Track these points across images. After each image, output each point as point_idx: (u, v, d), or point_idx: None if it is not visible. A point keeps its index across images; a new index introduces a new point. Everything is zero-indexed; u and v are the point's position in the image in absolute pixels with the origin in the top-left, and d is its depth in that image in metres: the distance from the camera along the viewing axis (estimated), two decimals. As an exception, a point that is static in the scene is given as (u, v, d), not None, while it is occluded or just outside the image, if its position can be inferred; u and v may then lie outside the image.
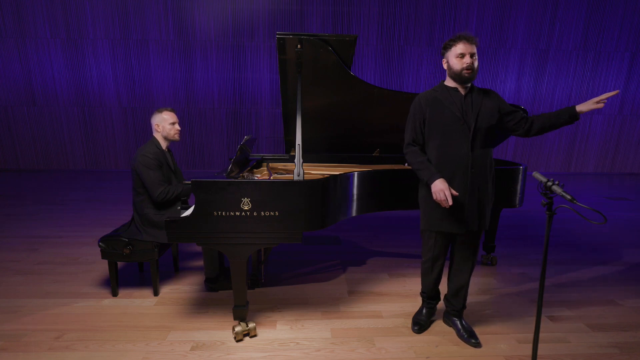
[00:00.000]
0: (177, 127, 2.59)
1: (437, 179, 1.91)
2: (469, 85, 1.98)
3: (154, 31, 6.62)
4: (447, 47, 1.94)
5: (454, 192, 1.91)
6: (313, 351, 2.07)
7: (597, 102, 1.86)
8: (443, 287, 2.35)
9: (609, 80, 7.38)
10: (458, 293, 2.20)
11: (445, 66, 1.98)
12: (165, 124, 2.55)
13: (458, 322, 2.23)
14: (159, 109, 2.58)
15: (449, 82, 2.00)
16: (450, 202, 1.88)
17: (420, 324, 2.27)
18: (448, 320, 2.31)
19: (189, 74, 6.86)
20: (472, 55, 1.89)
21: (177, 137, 2.61)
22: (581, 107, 1.91)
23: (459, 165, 1.95)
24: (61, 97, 6.83)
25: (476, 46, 1.91)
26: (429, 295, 2.30)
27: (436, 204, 2.00)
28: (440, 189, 1.89)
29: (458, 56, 1.89)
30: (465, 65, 1.88)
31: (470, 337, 2.14)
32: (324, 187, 2.06)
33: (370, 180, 2.46)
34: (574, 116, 1.92)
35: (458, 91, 1.97)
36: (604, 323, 2.38)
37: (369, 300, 2.61)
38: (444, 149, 1.98)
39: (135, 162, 2.48)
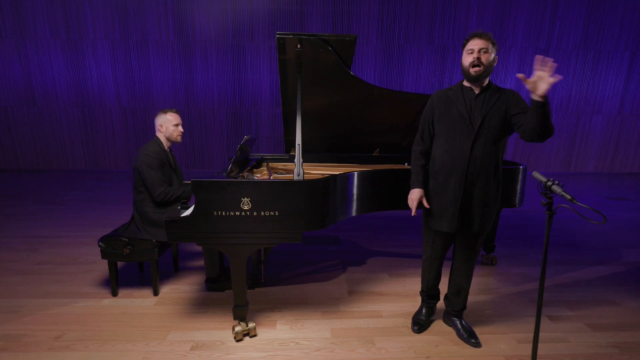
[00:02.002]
0: (180, 129, 2.62)
1: (416, 187, 2.05)
2: (485, 84, 1.92)
3: (154, 32, 6.62)
4: (463, 46, 1.92)
5: (426, 204, 2.03)
6: (313, 351, 2.07)
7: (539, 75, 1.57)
8: (443, 287, 2.35)
9: (608, 79, 7.38)
10: (459, 294, 2.20)
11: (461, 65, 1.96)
12: (168, 125, 2.58)
13: (458, 322, 2.23)
14: (164, 109, 2.61)
15: (466, 82, 1.97)
16: (414, 213, 2.05)
17: (420, 323, 2.27)
18: (448, 320, 2.31)
19: (189, 75, 6.86)
20: (481, 51, 1.82)
21: (179, 138, 2.64)
22: (531, 91, 1.63)
23: (458, 164, 1.94)
24: (61, 97, 6.83)
25: (491, 42, 1.83)
26: (429, 294, 2.30)
27: (434, 202, 2.04)
28: (411, 198, 2.05)
29: (468, 52, 1.86)
30: (472, 60, 1.83)
31: (470, 337, 2.14)
32: (324, 187, 2.06)
33: (370, 180, 2.46)
34: (533, 102, 1.66)
35: (472, 90, 1.94)
36: (604, 323, 2.38)
37: (369, 300, 2.61)
38: (447, 147, 1.97)
39: (137, 161, 2.50)
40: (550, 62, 1.53)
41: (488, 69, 1.86)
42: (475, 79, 1.88)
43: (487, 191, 1.96)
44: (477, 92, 1.93)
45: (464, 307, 2.23)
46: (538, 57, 1.56)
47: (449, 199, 1.98)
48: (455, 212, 1.97)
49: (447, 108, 1.98)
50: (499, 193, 2.05)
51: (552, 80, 1.54)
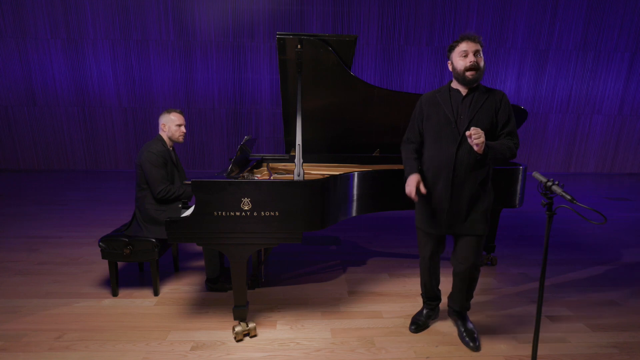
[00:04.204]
0: (182, 129, 2.65)
1: (412, 174, 1.98)
2: (474, 85, 1.92)
3: (154, 31, 6.62)
4: (452, 48, 1.93)
5: (422, 190, 1.93)
6: (313, 351, 2.07)
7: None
8: (446, 288, 2.35)
9: (608, 80, 7.39)
10: (459, 295, 2.19)
11: (450, 68, 1.95)
12: (171, 125, 2.60)
13: (460, 323, 2.21)
14: (168, 109, 2.63)
15: (454, 84, 1.98)
16: (414, 196, 1.92)
17: (418, 323, 2.26)
18: (452, 317, 2.31)
19: (189, 74, 6.86)
20: (475, 54, 1.84)
21: (181, 139, 2.66)
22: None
23: (443, 167, 1.94)
24: (61, 97, 6.83)
25: (480, 45, 1.87)
26: (427, 295, 2.29)
27: (422, 204, 2.04)
28: (408, 184, 1.96)
29: (461, 54, 1.86)
30: (468, 64, 1.84)
31: (470, 340, 2.11)
32: (324, 187, 2.06)
33: (371, 181, 2.46)
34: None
35: (459, 92, 1.94)
36: (604, 323, 2.38)
37: (369, 301, 2.61)
38: (434, 150, 1.98)
39: (140, 158, 2.52)
40: (471, 135, 1.73)
41: (482, 73, 1.88)
42: (472, 82, 1.88)
43: (475, 194, 1.95)
44: (464, 94, 1.93)
45: (465, 309, 2.21)
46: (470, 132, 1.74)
47: (436, 202, 1.99)
48: (443, 215, 1.98)
49: (434, 111, 1.98)
50: (489, 194, 2.02)
51: (480, 142, 1.73)
